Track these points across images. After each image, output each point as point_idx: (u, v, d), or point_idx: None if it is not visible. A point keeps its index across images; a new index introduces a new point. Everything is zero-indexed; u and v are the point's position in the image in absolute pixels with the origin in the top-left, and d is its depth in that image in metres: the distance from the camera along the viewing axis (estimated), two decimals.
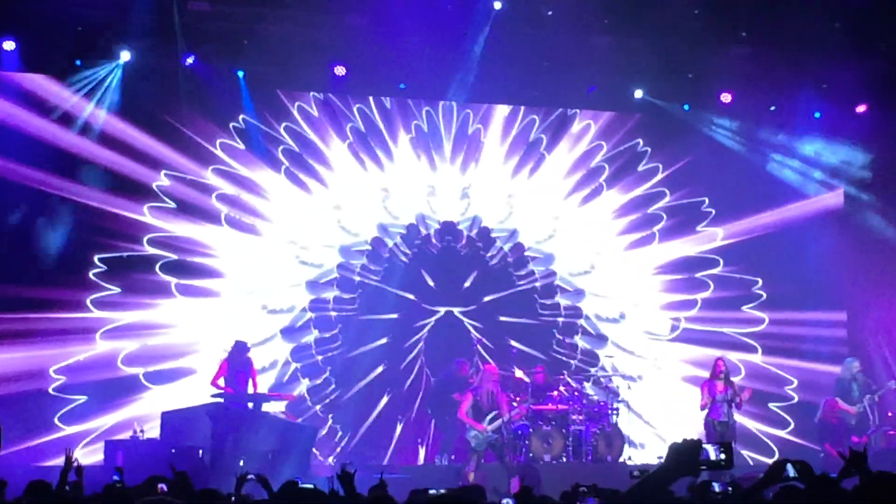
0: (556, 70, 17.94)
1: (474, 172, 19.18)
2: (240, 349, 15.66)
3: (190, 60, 16.91)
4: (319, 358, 18.18)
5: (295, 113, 18.41)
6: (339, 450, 17.72)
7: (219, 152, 17.93)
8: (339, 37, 17.17)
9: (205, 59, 16.99)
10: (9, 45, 16.30)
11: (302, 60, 17.48)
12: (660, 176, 19.63)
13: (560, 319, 19.20)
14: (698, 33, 17.28)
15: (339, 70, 17.54)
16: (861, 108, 19.06)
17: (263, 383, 16.88)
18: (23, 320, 16.25)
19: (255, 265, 18.05)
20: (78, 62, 16.80)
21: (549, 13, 16.78)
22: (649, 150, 19.59)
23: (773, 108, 19.31)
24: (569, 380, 17.21)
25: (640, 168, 19.64)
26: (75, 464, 8.93)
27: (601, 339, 19.34)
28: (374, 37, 16.88)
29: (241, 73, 17.53)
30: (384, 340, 18.39)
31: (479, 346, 18.17)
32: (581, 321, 19.30)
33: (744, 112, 19.39)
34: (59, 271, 16.78)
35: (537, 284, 19.23)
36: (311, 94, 18.42)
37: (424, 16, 16.34)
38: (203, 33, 16.84)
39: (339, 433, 17.92)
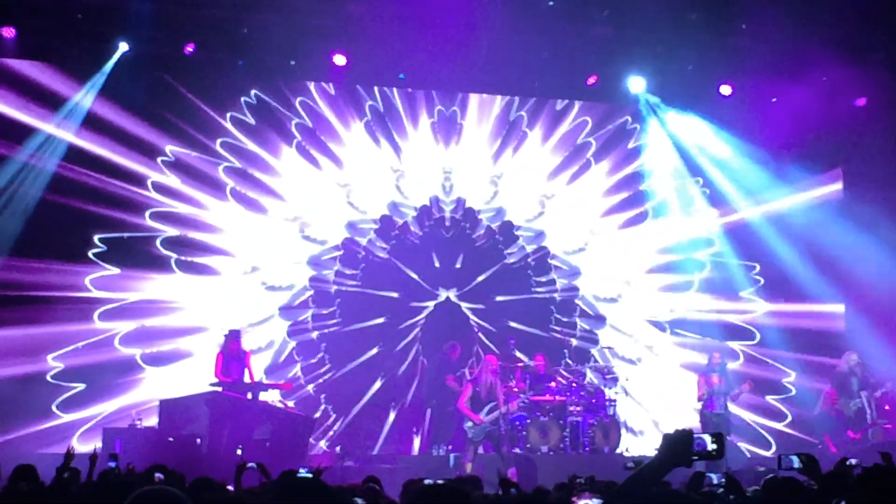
0: (555, 61, 17.90)
1: (456, 153, 19.11)
2: (231, 337, 15.59)
3: (190, 49, 16.90)
4: (315, 334, 18.14)
5: (312, 90, 18.41)
6: (331, 433, 17.72)
7: (228, 125, 17.92)
8: (340, 25, 17.14)
9: (203, 47, 16.97)
10: (9, 32, 16.28)
11: (302, 49, 17.43)
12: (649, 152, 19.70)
13: (556, 296, 19.18)
14: (698, 25, 17.24)
15: (339, 59, 17.55)
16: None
17: (259, 364, 16.89)
18: (20, 299, 16.13)
19: (259, 241, 18.02)
20: (78, 49, 16.74)
21: (550, 3, 16.72)
22: (637, 126, 19.61)
23: (773, 99, 19.16)
24: (569, 363, 17.18)
25: (631, 145, 19.68)
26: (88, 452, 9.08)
27: (599, 319, 19.35)
28: (373, 25, 16.84)
29: (240, 63, 17.56)
30: (381, 320, 18.37)
31: (480, 334, 18.20)
32: (578, 301, 19.30)
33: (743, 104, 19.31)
34: (58, 249, 16.63)
35: (530, 261, 19.21)
36: (310, 83, 18.40)
37: (424, 5, 16.31)
38: (202, 21, 16.78)
39: (332, 416, 17.90)
